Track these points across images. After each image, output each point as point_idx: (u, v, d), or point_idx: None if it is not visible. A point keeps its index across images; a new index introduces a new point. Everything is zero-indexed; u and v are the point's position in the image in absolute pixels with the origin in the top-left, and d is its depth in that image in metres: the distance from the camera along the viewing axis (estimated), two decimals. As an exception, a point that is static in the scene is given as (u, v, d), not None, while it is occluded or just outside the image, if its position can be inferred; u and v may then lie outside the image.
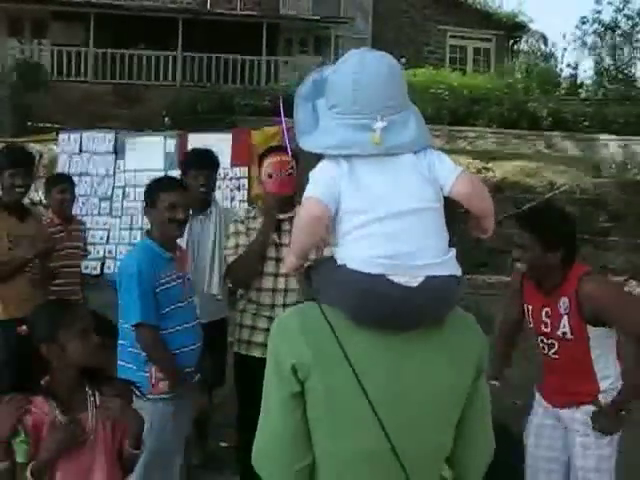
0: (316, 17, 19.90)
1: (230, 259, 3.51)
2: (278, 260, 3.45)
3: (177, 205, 3.22)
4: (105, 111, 15.21)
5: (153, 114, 14.80)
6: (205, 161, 4.14)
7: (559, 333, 2.94)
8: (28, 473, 2.21)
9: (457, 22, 21.91)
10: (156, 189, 3.30)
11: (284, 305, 3.43)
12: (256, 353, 3.45)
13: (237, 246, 3.50)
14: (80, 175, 6.43)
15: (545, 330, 2.99)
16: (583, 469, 2.96)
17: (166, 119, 14.51)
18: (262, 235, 3.45)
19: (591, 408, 2.95)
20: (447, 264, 1.54)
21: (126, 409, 2.41)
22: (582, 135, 14.46)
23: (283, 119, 3.33)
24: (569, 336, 2.91)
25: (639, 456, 3.78)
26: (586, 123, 14.80)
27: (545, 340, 3.01)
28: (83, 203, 6.30)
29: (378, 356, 1.54)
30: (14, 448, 2.22)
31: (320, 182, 1.59)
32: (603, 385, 2.94)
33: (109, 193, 6.72)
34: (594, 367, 2.93)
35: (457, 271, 1.56)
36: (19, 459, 2.24)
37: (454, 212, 1.69)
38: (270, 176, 3.47)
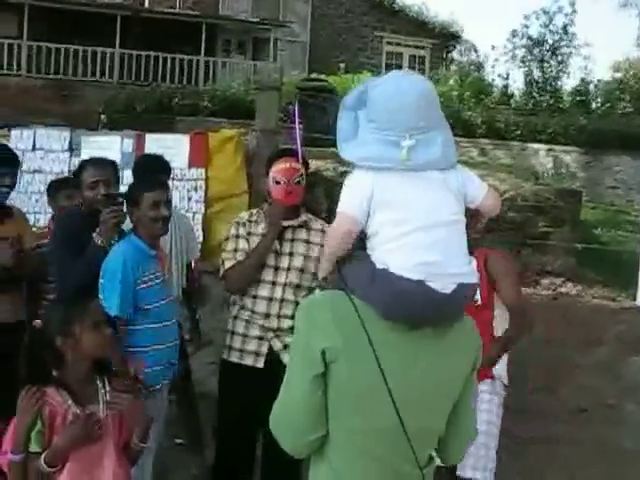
0: (255, 19, 19.98)
1: (228, 263, 3.36)
2: (277, 268, 3.32)
3: (160, 203, 3.26)
4: (39, 106, 14.81)
5: (89, 111, 14.51)
6: (159, 168, 4.14)
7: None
8: (42, 461, 2.28)
9: (393, 29, 22.34)
10: (139, 189, 3.33)
11: (279, 316, 3.30)
12: (248, 361, 3.36)
13: (236, 250, 3.36)
14: (34, 172, 6.30)
15: None
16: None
17: (102, 117, 14.26)
18: (265, 243, 3.29)
19: (488, 382, 3.42)
20: (472, 273, 1.75)
21: (135, 404, 2.49)
22: (514, 143, 15.03)
23: (297, 125, 3.28)
24: (479, 302, 3.35)
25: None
26: (517, 132, 15.35)
27: None
28: (37, 200, 6.19)
29: (398, 347, 1.73)
30: (30, 438, 2.29)
31: (352, 196, 1.77)
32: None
33: (64, 191, 6.64)
34: (495, 333, 3.40)
35: (477, 279, 1.77)
36: (33, 448, 2.30)
37: None
38: (278, 182, 3.28)
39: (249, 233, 3.40)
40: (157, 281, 3.27)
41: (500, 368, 3.49)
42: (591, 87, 18.27)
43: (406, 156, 1.71)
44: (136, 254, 3.22)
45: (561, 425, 5.00)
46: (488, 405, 3.42)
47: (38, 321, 2.40)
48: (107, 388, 2.46)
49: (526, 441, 4.53)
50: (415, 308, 1.67)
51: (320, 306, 1.78)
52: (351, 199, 1.76)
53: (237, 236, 3.41)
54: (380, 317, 1.71)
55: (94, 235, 3.28)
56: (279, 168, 3.29)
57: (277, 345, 3.33)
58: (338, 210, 1.79)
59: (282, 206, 3.29)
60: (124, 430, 2.47)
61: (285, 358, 3.24)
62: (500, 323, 3.46)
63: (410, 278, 1.66)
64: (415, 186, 1.73)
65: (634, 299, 7.83)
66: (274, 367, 3.14)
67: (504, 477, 3.87)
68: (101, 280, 3.19)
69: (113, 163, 3.64)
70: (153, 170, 4.06)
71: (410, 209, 1.71)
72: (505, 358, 3.53)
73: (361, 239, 1.79)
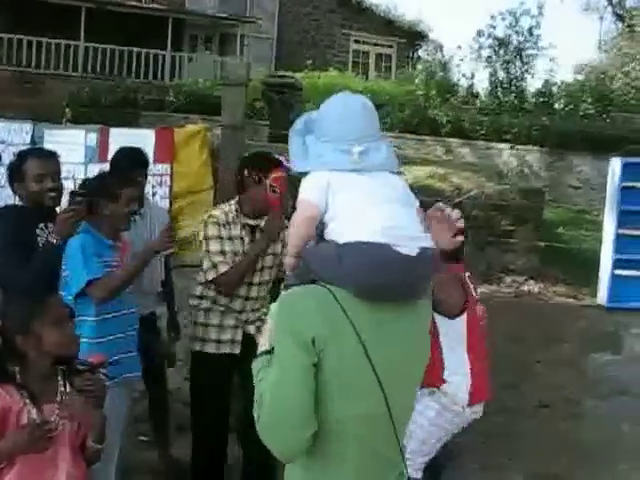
0: (222, 15, 19.88)
1: (222, 267, 3.44)
2: (253, 270, 3.51)
3: (136, 199, 3.26)
4: (0, 98, 14.58)
5: (53, 104, 14.31)
6: (140, 162, 4.08)
7: None
8: None
9: (361, 27, 22.42)
10: (120, 184, 3.27)
11: (252, 310, 3.56)
12: (225, 350, 3.53)
13: (224, 253, 3.46)
14: (-6, 165, 6.20)
15: None
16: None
17: (67, 110, 14.06)
18: (259, 251, 3.48)
19: (426, 391, 3.27)
20: (430, 239, 1.84)
21: (88, 405, 2.42)
22: (479, 143, 15.19)
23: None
24: None
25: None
26: (482, 131, 15.51)
27: None
28: (-3, 194, 6.07)
29: (377, 329, 1.77)
30: None
31: (312, 186, 1.87)
32: (449, 378, 3.30)
33: (25, 185, 6.50)
34: (444, 358, 3.29)
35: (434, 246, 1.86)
36: None
37: None
38: (275, 191, 3.44)
39: (230, 236, 3.51)
40: (112, 269, 3.21)
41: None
42: (554, 88, 18.50)
43: (358, 159, 1.85)
44: (94, 241, 3.19)
45: (524, 420, 5.08)
46: (436, 419, 3.36)
47: None
48: (67, 386, 2.41)
49: (489, 437, 4.58)
50: (384, 273, 1.72)
51: (301, 297, 1.79)
52: (310, 188, 1.86)
53: (220, 237, 3.50)
54: (356, 299, 1.74)
55: (47, 233, 3.19)
56: (276, 177, 3.45)
57: (251, 330, 3.54)
58: (299, 199, 1.87)
59: (277, 214, 3.46)
60: (81, 430, 2.41)
61: (259, 338, 3.28)
62: (450, 349, 3.32)
63: (375, 242, 1.73)
64: (370, 177, 1.86)
65: (595, 297, 7.98)
66: (249, 348, 3.28)
67: (467, 473, 3.92)
68: (63, 267, 3.13)
69: (55, 155, 3.50)
70: (134, 164, 3.99)
71: (367, 190, 1.82)
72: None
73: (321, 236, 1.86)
